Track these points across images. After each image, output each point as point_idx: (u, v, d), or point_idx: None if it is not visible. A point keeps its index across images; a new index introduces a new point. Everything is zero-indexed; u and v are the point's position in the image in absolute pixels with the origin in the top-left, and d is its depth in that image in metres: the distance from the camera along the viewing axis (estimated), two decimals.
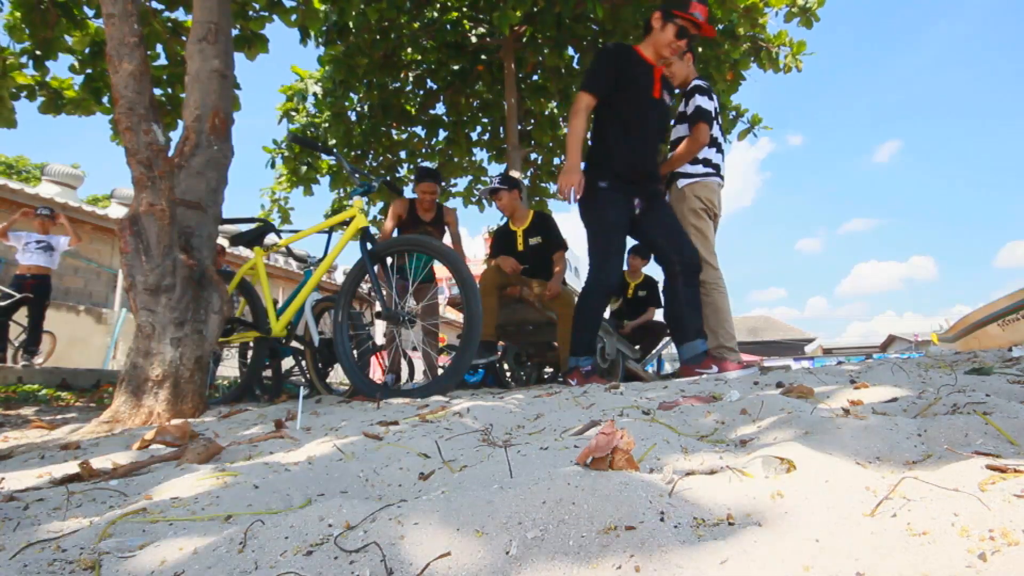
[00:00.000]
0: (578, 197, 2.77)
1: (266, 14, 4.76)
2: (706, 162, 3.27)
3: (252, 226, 3.21)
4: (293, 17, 4.91)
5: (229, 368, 4.25)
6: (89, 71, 4.74)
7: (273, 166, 7.51)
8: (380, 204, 7.95)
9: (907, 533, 0.49)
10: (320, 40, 6.13)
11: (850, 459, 0.71)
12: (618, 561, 0.50)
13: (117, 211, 11.12)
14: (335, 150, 3.84)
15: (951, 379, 1.44)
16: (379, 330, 5.07)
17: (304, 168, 7.32)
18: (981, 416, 0.80)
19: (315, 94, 7.04)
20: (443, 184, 4.60)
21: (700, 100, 3.16)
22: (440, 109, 7.74)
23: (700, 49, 6.03)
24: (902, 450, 0.75)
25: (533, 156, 8.00)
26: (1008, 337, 7.43)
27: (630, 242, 5.20)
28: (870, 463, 0.73)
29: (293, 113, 7.26)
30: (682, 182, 3.29)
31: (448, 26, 6.69)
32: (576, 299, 2.95)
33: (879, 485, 0.58)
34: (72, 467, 1.15)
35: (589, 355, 2.89)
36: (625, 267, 5.66)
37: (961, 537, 0.47)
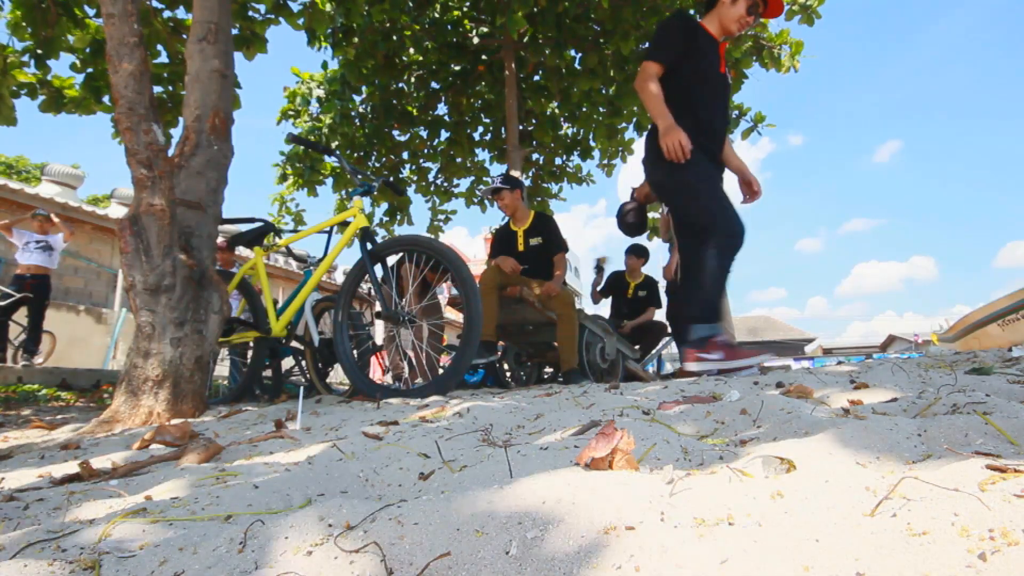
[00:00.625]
0: (687, 154, 2.51)
1: (272, 16, 4.76)
2: None
3: (252, 226, 3.21)
4: (300, 20, 4.93)
5: (223, 367, 4.25)
6: (90, 70, 4.74)
7: (284, 179, 7.50)
8: (385, 205, 7.96)
9: (907, 533, 0.49)
10: (328, 42, 6.14)
11: (850, 459, 0.71)
12: (618, 561, 0.50)
13: (117, 211, 11.12)
14: (336, 151, 3.83)
15: (951, 379, 1.44)
16: (379, 330, 5.06)
17: (308, 171, 7.32)
18: (981, 416, 0.80)
19: (318, 97, 7.05)
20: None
21: None
22: (442, 110, 7.75)
23: None
24: (902, 450, 0.75)
25: (535, 156, 8.01)
26: (1008, 337, 7.44)
27: (629, 241, 5.24)
28: (870, 463, 0.73)
29: (292, 114, 7.27)
30: None
31: (449, 27, 6.70)
32: (698, 262, 2.57)
33: (879, 485, 0.57)
34: (72, 467, 1.15)
35: (717, 321, 2.58)
36: (623, 267, 5.67)
37: (961, 537, 0.47)
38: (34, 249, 6.06)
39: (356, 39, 6.17)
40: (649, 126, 2.77)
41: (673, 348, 5.08)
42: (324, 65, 7.00)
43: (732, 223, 2.58)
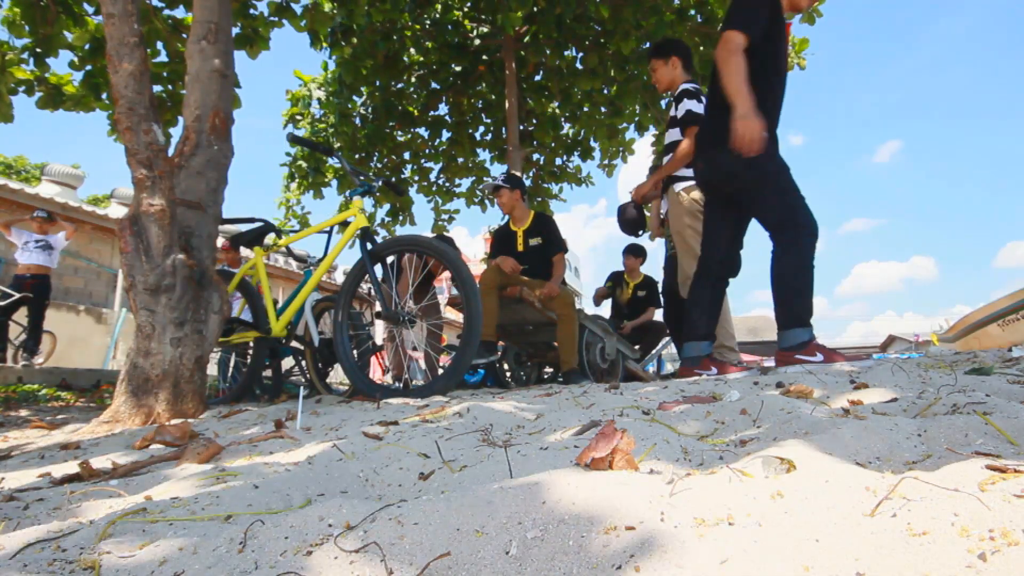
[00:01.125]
0: (759, 148, 2.31)
1: (275, 19, 4.76)
2: None
3: (252, 226, 3.21)
4: (303, 23, 4.93)
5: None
6: (89, 67, 4.73)
7: (292, 179, 7.49)
8: (387, 206, 7.96)
9: (907, 533, 0.49)
10: (327, 42, 6.14)
11: (850, 459, 0.71)
12: (618, 561, 0.50)
13: (117, 211, 11.12)
14: (336, 151, 3.82)
15: (951, 379, 1.44)
16: (379, 330, 5.07)
17: (312, 173, 7.32)
18: (981, 416, 0.80)
19: (319, 99, 7.06)
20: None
21: (689, 104, 3.16)
22: (443, 110, 7.75)
23: (702, 48, 6.02)
24: (902, 450, 0.75)
25: (535, 156, 8.01)
26: (1008, 337, 7.43)
27: (628, 240, 5.25)
28: (870, 463, 0.73)
29: (299, 118, 7.28)
30: (678, 186, 3.29)
31: (449, 27, 6.70)
32: (780, 263, 2.44)
33: (879, 485, 0.57)
34: (72, 467, 1.15)
35: (811, 324, 2.42)
36: (622, 267, 5.67)
37: (961, 537, 0.47)
38: (34, 249, 6.06)
39: (355, 39, 6.17)
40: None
41: (673, 348, 5.08)
42: (324, 66, 7.01)
43: (812, 219, 2.43)
